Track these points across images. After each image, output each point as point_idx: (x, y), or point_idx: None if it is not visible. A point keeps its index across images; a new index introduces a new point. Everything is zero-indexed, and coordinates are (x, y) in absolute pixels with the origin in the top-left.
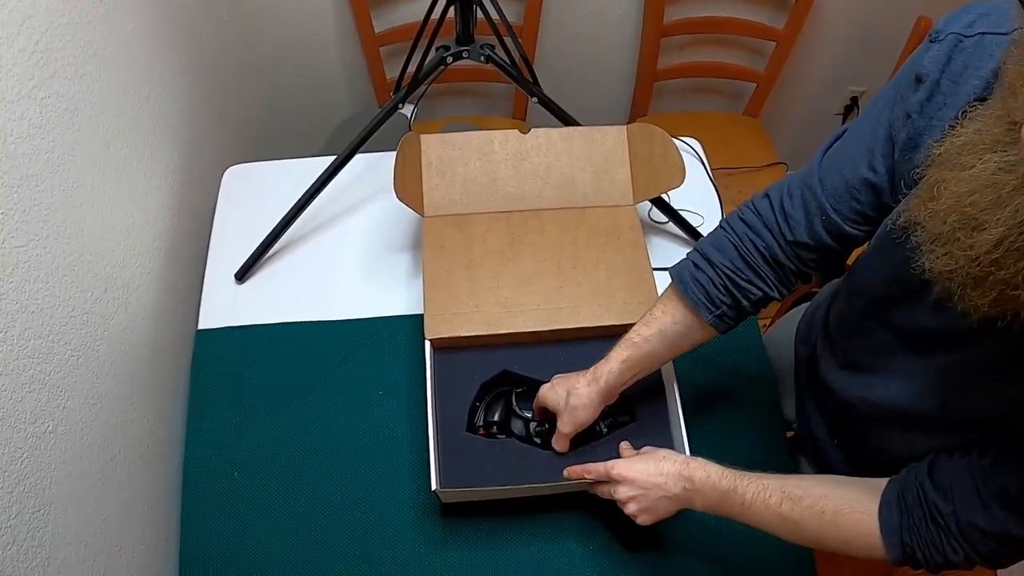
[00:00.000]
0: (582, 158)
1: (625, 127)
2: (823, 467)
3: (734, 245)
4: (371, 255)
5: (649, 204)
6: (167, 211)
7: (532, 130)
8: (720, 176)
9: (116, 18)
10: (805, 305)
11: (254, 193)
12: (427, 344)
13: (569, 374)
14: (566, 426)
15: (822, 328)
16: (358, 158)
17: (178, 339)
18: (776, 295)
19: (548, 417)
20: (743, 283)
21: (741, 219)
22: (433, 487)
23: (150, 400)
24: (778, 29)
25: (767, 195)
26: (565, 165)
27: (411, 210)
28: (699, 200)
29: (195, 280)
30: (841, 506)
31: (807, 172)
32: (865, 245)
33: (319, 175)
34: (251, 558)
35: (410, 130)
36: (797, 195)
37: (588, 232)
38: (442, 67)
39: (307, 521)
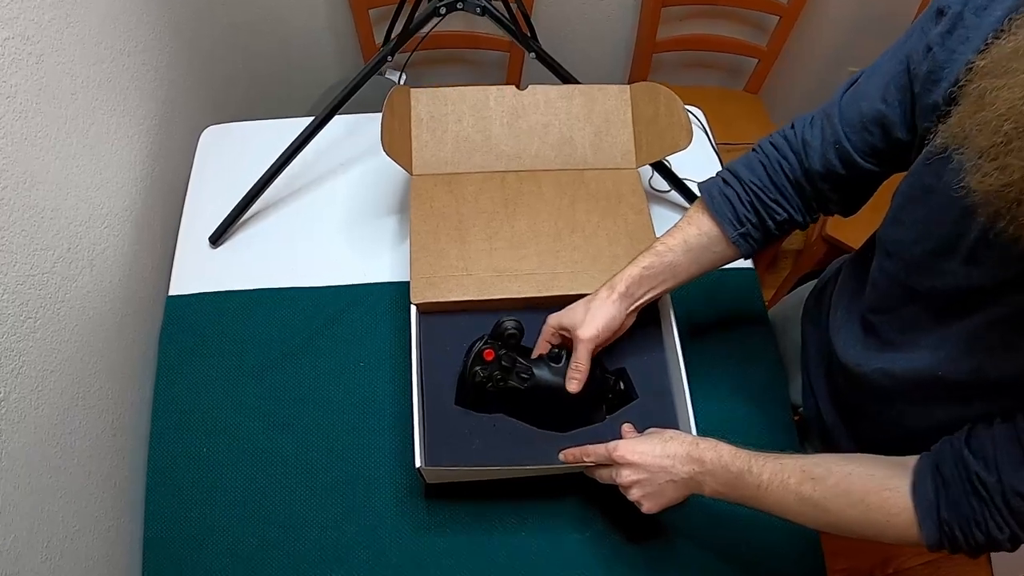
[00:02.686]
0: (582, 117)
1: (628, 86)
2: (831, 451)
3: (763, 165)
4: (355, 219)
5: (651, 172)
6: (140, 170)
7: (530, 87)
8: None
9: None
10: (810, 284)
11: (233, 154)
12: (413, 309)
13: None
14: (587, 329)
15: (836, 304)
16: (343, 119)
17: (147, 305)
18: (799, 219)
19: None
20: (769, 201)
21: (771, 143)
22: (416, 464)
23: (115, 370)
24: (781, 3)
25: (792, 124)
26: (564, 124)
27: (399, 171)
28: (702, 170)
29: (168, 244)
30: (869, 484)
31: (829, 103)
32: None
33: (299, 134)
34: (221, 543)
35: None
36: (817, 124)
37: (588, 195)
38: (436, 19)
39: (281, 502)
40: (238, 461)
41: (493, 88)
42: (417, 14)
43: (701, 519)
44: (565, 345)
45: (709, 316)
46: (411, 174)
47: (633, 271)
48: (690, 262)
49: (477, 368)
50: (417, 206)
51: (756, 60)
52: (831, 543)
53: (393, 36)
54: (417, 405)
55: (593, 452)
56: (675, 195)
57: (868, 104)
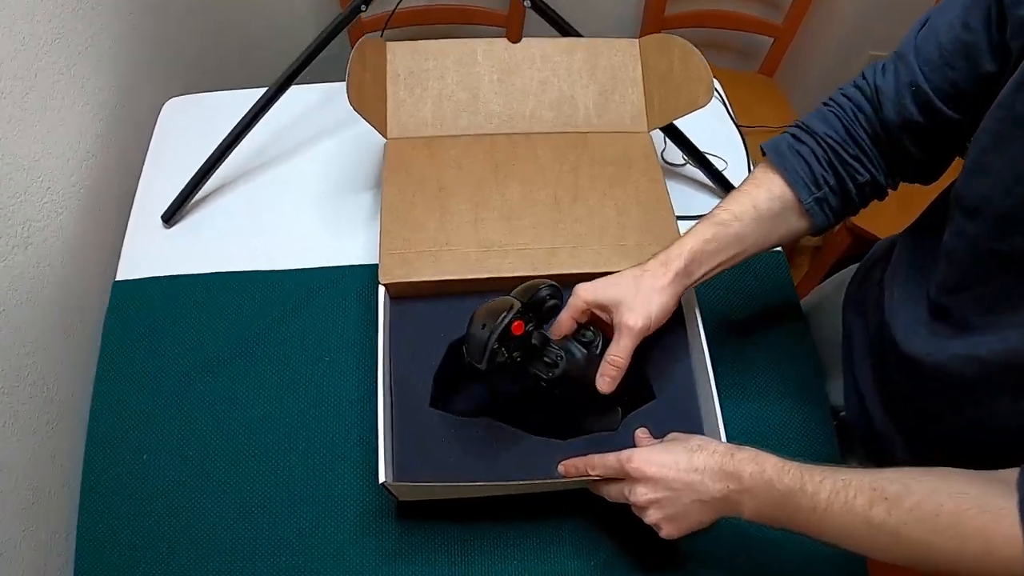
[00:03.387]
0: (584, 74)
1: (637, 40)
2: (879, 462)
3: (837, 117)
4: (327, 195)
5: (663, 143)
6: (93, 143)
7: (524, 39)
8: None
9: None
10: (851, 268)
11: (196, 127)
12: (381, 292)
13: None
14: (638, 317)
15: (890, 285)
16: (316, 88)
17: (95, 292)
18: (882, 183)
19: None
20: (850, 159)
21: (843, 94)
22: (381, 479)
23: (51, 362)
24: None
25: (863, 74)
26: (564, 82)
27: (377, 143)
28: (721, 143)
29: (120, 224)
30: (962, 506)
31: (902, 45)
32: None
33: (258, 100)
34: (157, 570)
35: None
36: (890, 69)
37: (592, 161)
38: None
39: (227, 523)
40: (179, 472)
41: (481, 41)
42: None
43: (727, 543)
44: (596, 326)
45: (733, 305)
46: (385, 138)
47: (694, 244)
48: (759, 235)
49: (500, 346)
50: (391, 173)
51: (771, 39)
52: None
53: None
54: (383, 407)
55: (601, 464)
56: (692, 170)
57: (948, 35)
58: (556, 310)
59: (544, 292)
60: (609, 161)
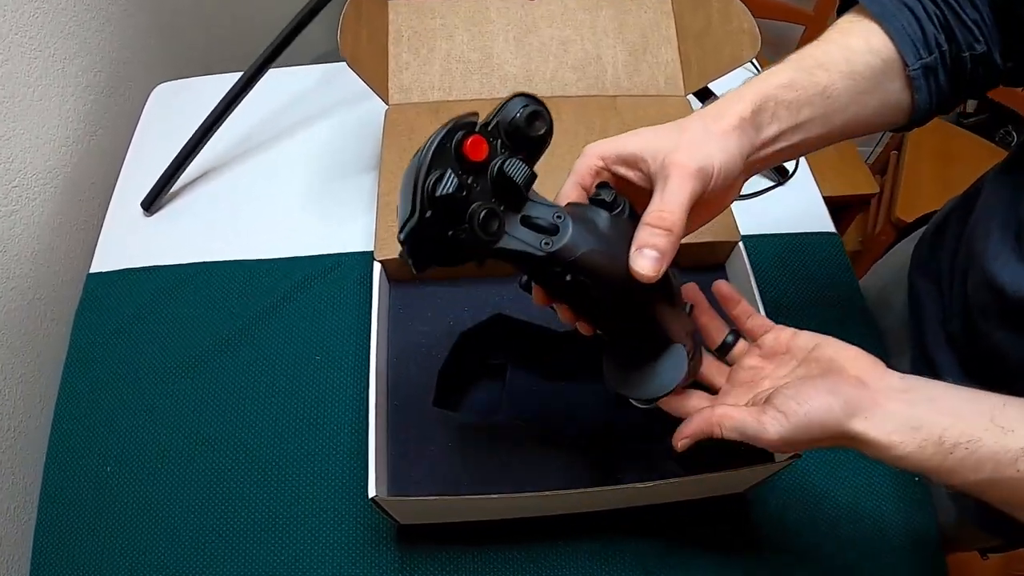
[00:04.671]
0: (611, 33)
1: None
2: None
3: None
4: (318, 180)
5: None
6: (75, 128)
7: None
8: None
9: None
10: (914, 237)
11: (184, 113)
12: (376, 270)
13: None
14: (692, 155)
15: (987, 227)
16: (311, 69)
17: (66, 284)
18: (998, 64)
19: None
20: (969, 22)
21: None
22: (370, 493)
23: (21, 362)
24: None
25: None
26: (588, 41)
27: (377, 124)
28: None
29: (101, 215)
30: None
31: None
32: None
33: (244, 73)
34: None
35: None
36: None
37: (623, 126)
38: None
39: (199, 548)
40: (146, 489)
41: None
42: None
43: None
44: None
45: (788, 288)
46: (387, 103)
47: (761, 87)
48: (852, 94)
49: (442, 172)
50: (391, 141)
51: (802, 27)
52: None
53: None
54: (376, 407)
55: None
56: None
57: None
58: (545, 140)
59: (516, 105)
60: (644, 127)
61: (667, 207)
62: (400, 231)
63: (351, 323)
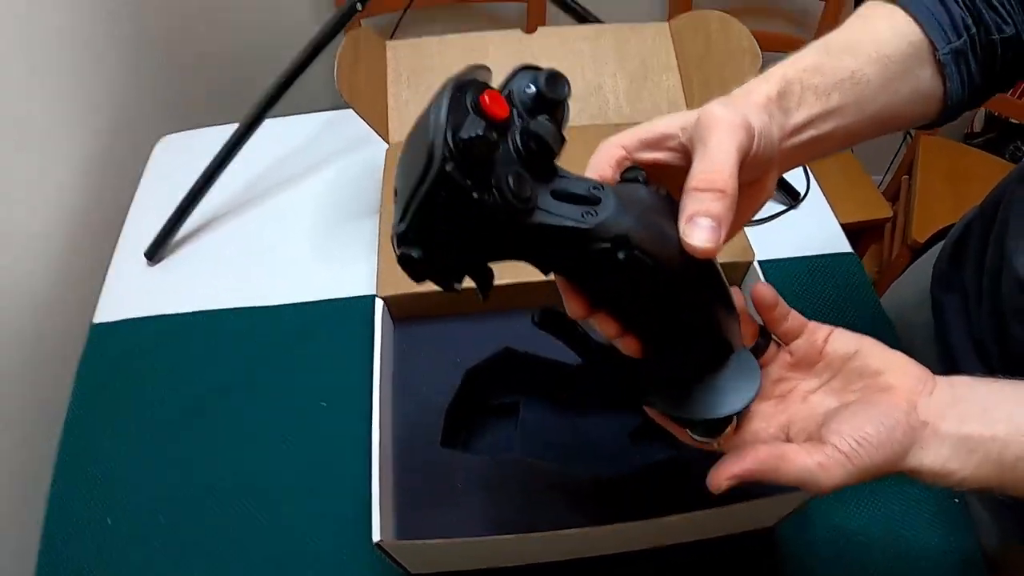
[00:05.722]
0: (612, 62)
1: (667, 23)
2: None
3: None
4: (321, 226)
5: None
6: (79, 180)
7: (540, 29)
8: None
9: None
10: (932, 253)
11: (188, 164)
12: (378, 308)
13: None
14: (734, 115)
15: (1015, 228)
16: (312, 116)
17: (70, 335)
18: None
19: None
20: (995, 2)
21: None
22: (374, 537)
23: (21, 411)
24: None
25: None
26: (588, 71)
27: (375, 167)
28: None
29: (105, 265)
30: None
31: None
32: None
33: (245, 118)
34: None
35: None
36: None
37: None
38: None
39: None
40: (148, 541)
41: (493, 34)
42: None
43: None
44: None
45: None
46: (387, 142)
47: (786, 71)
48: (882, 80)
49: (462, 118)
50: (393, 178)
51: (822, 2)
52: None
53: None
54: (380, 448)
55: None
56: None
57: None
58: (566, 103)
59: (527, 74)
60: None
61: (714, 166)
62: (402, 213)
63: (356, 366)
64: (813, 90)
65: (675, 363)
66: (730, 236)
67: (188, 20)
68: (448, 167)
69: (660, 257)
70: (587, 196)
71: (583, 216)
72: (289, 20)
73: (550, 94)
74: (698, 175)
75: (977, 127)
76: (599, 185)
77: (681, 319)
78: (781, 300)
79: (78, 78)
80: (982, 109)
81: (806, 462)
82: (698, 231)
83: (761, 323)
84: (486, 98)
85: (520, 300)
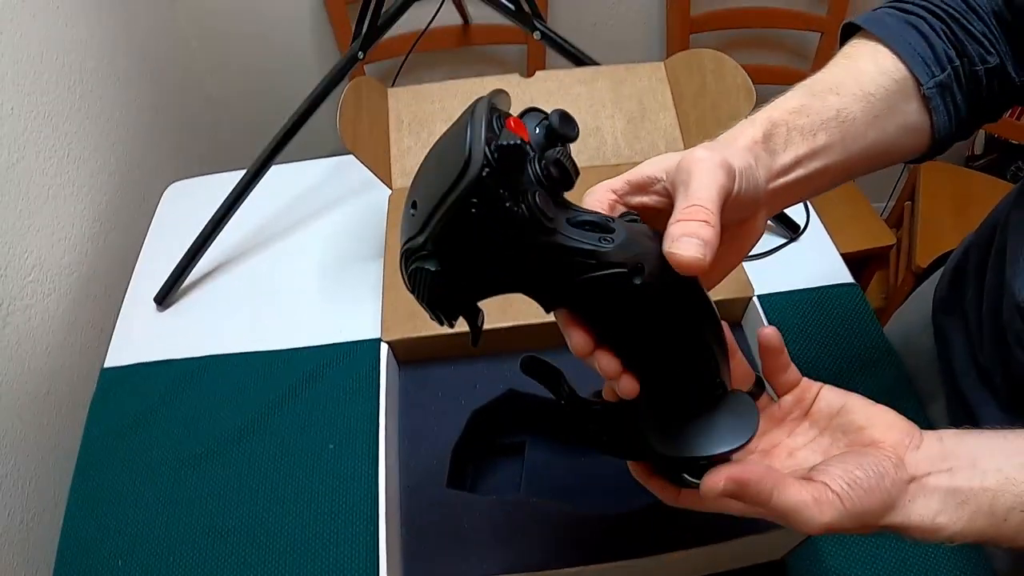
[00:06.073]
0: (608, 104)
1: (662, 63)
2: None
3: None
4: (327, 270)
5: None
6: (90, 226)
7: (538, 73)
8: None
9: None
10: (932, 280)
11: (197, 210)
12: (383, 352)
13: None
14: (713, 155)
15: (1015, 251)
16: (317, 163)
17: (81, 379)
18: (1013, 76)
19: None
20: (978, 34)
21: None
22: None
23: (31, 455)
24: None
25: None
26: (586, 112)
27: (380, 211)
28: None
29: (115, 310)
30: None
31: None
32: None
33: (252, 165)
34: None
35: None
36: None
37: None
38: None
39: None
40: None
41: (492, 79)
42: (386, 6)
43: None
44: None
45: (810, 343)
46: (391, 188)
47: (771, 113)
48: (868, 118)
49: (495, 153)
50: (396, 225)
51: (818, 34)
52: None
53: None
54: (385, 492)
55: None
56: None
57: None
58: (574, 140)
59: (536, 114)
60: None
61: (697, 200)
62: (424, 222)
63: (363, 410)
64: (799, 131)
65: (672, 401)
66: (723, 276)
67: (195, 70)
68: (485, 172)
69: (672, 286)
70: (602, 224)
71: (600, 241)
72: (294, 67)
73: (562, 131)
74: (680, 209)
75: (978, 149)
76: (610, 217)
77: (684, 351)
78: (785, 351)
79: (88, 127)
80: (982, 131)
81: (801, 494)
82: (683, 244)
83: (759, 372)
84: (511, 122)
85: (521, 343)
